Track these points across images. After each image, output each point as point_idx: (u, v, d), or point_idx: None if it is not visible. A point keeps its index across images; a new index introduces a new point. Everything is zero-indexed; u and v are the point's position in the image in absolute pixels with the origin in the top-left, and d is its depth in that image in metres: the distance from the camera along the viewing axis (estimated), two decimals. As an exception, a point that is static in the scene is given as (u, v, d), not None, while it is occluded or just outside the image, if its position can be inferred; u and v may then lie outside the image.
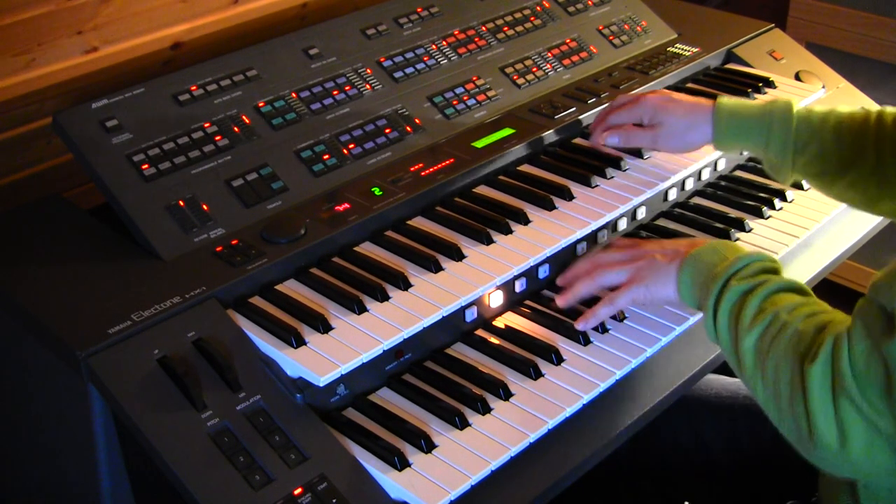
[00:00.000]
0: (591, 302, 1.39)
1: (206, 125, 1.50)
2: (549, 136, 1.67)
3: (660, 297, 1.32)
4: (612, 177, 1.59)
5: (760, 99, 1.85)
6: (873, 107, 1.93)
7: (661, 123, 1.57)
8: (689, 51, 1.96)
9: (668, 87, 1.89)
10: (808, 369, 1.08)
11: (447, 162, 1.56)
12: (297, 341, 1.23)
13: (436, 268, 1.37)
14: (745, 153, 1.76)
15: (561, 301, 1.39)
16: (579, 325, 1.35)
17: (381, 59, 1.71)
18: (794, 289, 1.21)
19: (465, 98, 1.71)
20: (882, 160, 1.45)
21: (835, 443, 1.06)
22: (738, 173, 1.79)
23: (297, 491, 1.10)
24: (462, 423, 1.22)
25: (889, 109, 1.49)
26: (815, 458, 1.11)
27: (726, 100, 1.56)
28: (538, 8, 1.93)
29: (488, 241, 1.42)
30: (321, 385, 1.19)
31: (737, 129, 1.54)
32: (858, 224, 1.70)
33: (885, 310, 1.05)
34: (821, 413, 1.07)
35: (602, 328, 1.38)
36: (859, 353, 1.05)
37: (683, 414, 1.57)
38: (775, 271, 1.24)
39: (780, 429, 1.14)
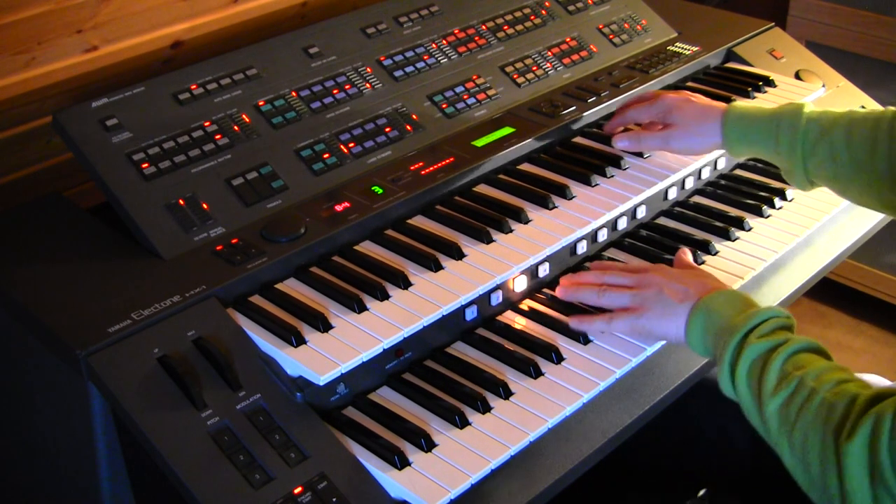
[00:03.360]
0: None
1: (207, 124, 1.50)
2: (550, 134, 1.67)
3: (660, 332, 1.31)
4: (612, 175, 1.58)
5: (763, 98, 1.85)
6: (872, 105, 1.93)
7: (674, 124, 1.56)
8: (689, 49, 1.96)
9: (668, 87, 1.89)
10: (845, 447, 1.05)
11: (447, 161, 1.56)
12: (298, 340, 1.23)
13: (436, 267, 1.37)
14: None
15: (560, 293, 1.40)
16: (572, 323, 1.35)
17: (381, 58, 1.71)
18: (815, 349, 1.18)
19: (465, 97, 1.71)
20: (894, 161, 1.40)
21: None
22: (739, 172, 1.79)
23: (298, 490, 1.10)
24: (462, 422, 1.22)
25: None
26: None
27: (738, 104, 1.54)
28: (538, 7, 1.93)
29: (488, 239, 1.42)
30: (321, 384, 1.19)
31: (746, 132, 1.51)
32: (859, 223, 1.70)
33: None
34: (858, 495, 1.04)
35: (602, 327, 1.38)
36: None
37: (708, 403, 1.54)
38: (791, 328, 1.22)
39: (808, 494, 1.12)
